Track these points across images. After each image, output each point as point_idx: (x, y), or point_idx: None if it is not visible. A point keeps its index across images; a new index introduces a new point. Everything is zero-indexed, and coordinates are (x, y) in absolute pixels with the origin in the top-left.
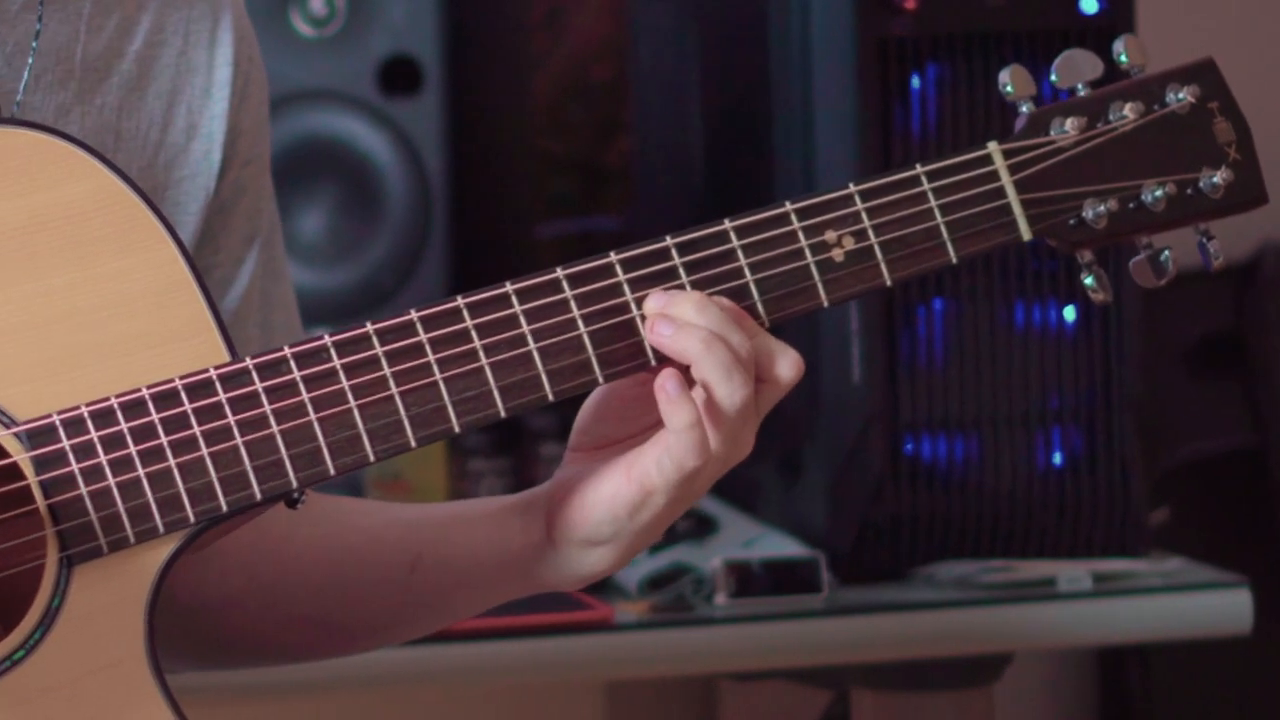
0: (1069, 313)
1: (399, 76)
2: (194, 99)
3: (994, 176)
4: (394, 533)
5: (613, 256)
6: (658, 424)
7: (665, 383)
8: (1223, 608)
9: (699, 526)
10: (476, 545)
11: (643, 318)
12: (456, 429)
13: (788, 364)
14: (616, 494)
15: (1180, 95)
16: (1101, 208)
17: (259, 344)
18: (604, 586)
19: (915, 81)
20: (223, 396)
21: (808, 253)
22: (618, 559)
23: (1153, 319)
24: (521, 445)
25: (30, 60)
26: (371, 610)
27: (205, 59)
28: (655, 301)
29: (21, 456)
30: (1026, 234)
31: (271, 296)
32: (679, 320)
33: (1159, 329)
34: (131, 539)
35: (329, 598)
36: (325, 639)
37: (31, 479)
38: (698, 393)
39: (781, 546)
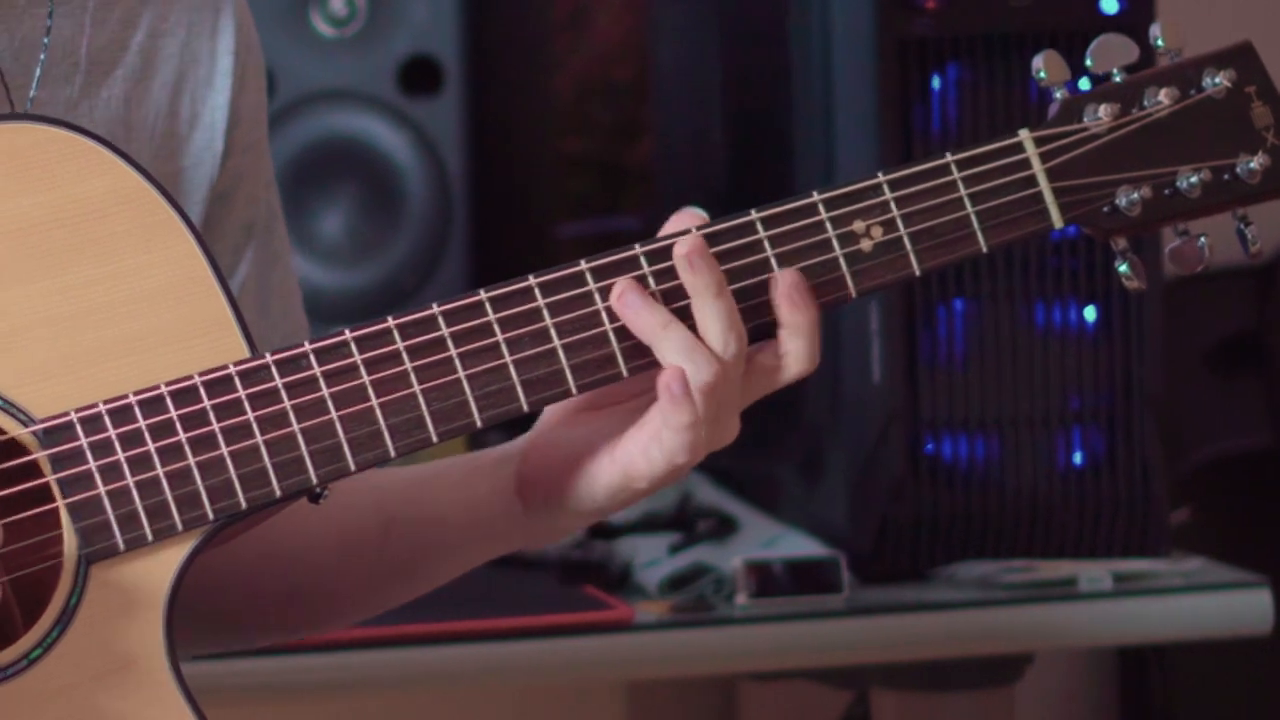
0: (1089, 312)
1: (420, 76)
2: (197, 89)
3: (1025, 165)
4: (366, 497)
5: (637, 249)
6: (647, 392)
7: (670, 383)
8: (1243, 608)
9: (719, 527)
10: (445, 506)
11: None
12: (479, 423)
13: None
14: (598, 474)
15: (1216, 80)
16: (1135, 195)
17: (255, 331)
18: (624, 587)
19: (936, 82)
20: (242, 393)
21: (835, 243)
22: (589, 522)
23: (1174, 319)
24: None
25: (42, 56)
26: (348, 579)
27: (208, 48)
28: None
29: (39, 454)
30: (1059, 222)
31: (269, 283)
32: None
33: (1180, 329)
34: (149, 537)
35: (305, 568)
36: (300, 613)
37: (49, 476)
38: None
39: (802, 546)
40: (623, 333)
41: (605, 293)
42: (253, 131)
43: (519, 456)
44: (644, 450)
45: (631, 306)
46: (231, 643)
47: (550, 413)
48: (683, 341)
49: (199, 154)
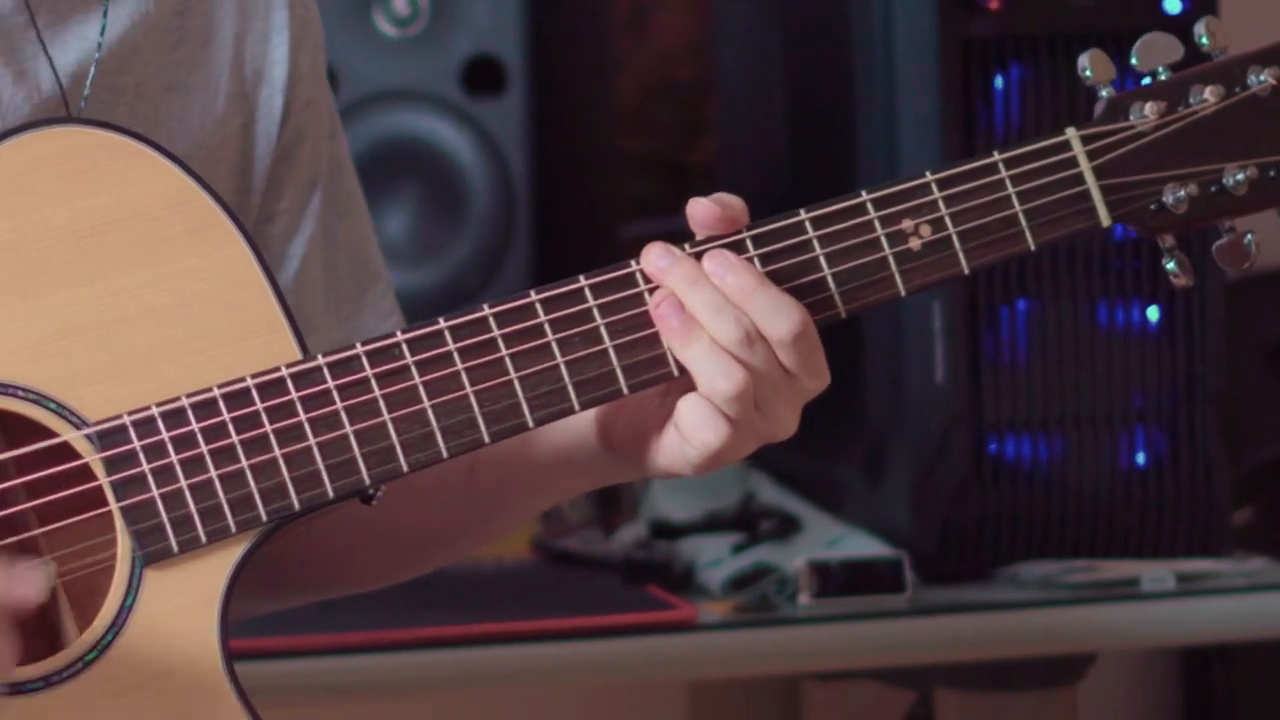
0: (1152, 312)
1: (482, 76)
2: (256, 45)
3: (1072, 163)
4: None
5: (687, 249)
6: None
7: (683, 407)
8: None
9: (783, 526)
10: (531, 442)
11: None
12: (530, 424)
13: (781, 319)
14: (659, 448)
15: (1261, 77)
16: (1182, 192)
17: (323, 285)
18: (688, 587)
19: (999, 82)
20: (294, 395)
21: (884, 242)
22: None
23: (1236, 318)
24: None
25: (98, 54)
26: (433, 518)
27: (262, 5)
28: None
29: (93, 457)
30: (1106, 220)
31: (335, 235)
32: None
33: (1242, 329)
34: (203, 539)
35: (391, 512)
36: (385, 557)
37: (103, 480)
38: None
39: (865, 546)
40: None
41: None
42: (313, 88)
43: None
44: (681, 449)
45: (661, 319)
46: (322, 592)
47: None
48: (704, 352)
49: (261, 110)
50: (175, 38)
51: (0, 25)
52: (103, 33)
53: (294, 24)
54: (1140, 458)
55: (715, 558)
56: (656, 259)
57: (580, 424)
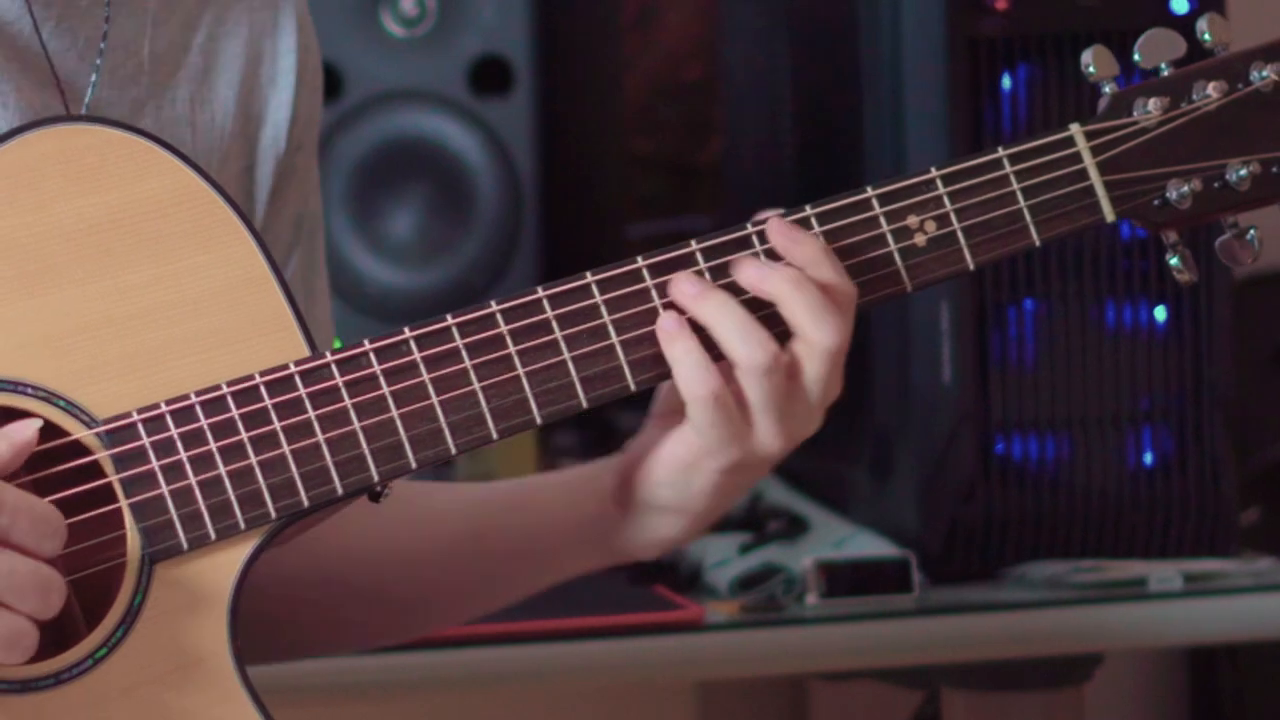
0: (1160, 312)
1: (490, 76)
2: (261, 87)
3: (1076, 158)
4: (459, 505)
5: (694, 245)
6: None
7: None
8: None
9: (790, 526)
10: (545, 511)
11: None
12: (538, 420)
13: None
14: (672, 454)
15: (1264, 73)
16: (1185, 188)
17: None
18: (695, 587)
19: (1006, 81)
20: (303, 391)
21: (890, 238)
22: (686, 528)
23: (1243, 318)
24: (612, 445)
25: (99, 61)
26: (435, 583)
27: (270, 47)
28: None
29: (102, 454)
30: (1110, 215)
31: (314, 289)
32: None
33: (1249, 328)
34: (213, 536)
35: (388, 571)
36: (382, 618)
37: (112, 477)
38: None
39: (872, 546)
40: None
41: (662, 289)
42: (308, 130)
43: (618, 460)
44: (694, 427)
45: (685, 294)
46: (284, 651)
47: (652, 420)
48: (738, 322)
49: (264, 152)
50: (184, 72)
51: (4, 29)
52: (105, 39)
53: (300, 68)
54: (1147, 458)
55: (722, 558)
56: (688, 287)
57: (600, 488)
